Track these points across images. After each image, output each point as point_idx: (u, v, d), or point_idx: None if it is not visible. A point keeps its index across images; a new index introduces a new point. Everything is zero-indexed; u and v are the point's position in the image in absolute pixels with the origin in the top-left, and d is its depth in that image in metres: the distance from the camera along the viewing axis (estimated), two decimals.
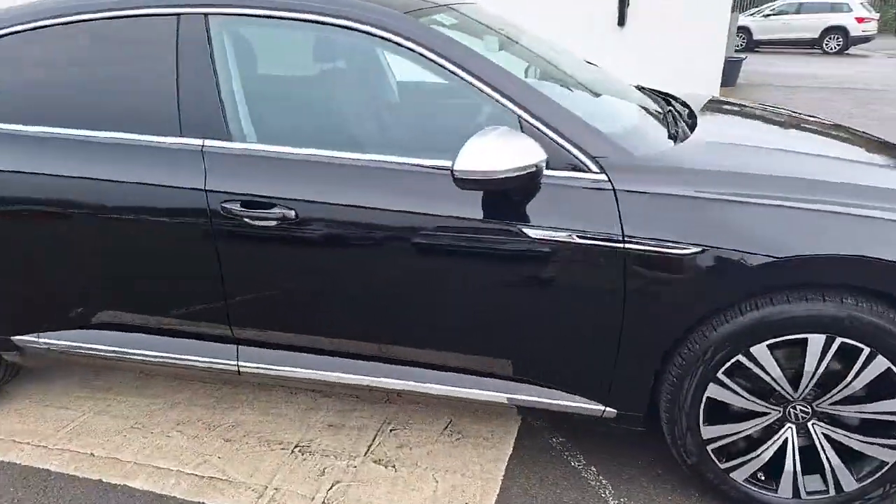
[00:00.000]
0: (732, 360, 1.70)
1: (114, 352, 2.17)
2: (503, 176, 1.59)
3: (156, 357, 2.14)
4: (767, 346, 1.67)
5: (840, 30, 17.71)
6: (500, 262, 1.76)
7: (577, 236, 1.69)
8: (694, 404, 1.78)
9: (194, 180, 1.90)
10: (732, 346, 1.69)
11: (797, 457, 1.79)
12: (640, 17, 6.43)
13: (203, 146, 1.92)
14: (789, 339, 1.65)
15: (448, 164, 1.75)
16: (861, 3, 17.97)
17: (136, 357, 2.16)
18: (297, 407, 2.43)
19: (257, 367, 2.09)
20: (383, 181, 1.81)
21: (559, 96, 1.84)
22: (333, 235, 1.85)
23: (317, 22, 1.87)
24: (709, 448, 1.83)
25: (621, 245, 1.66)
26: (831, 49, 17.97)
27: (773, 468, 1.82)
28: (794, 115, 2.64)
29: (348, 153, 1.85)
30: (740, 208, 1.62)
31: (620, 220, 1.67)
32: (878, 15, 19.06)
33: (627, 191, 1.68)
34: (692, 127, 2.10)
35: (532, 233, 1.71)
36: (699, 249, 1.62)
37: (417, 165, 1.80)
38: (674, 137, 1.97)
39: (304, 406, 2.43)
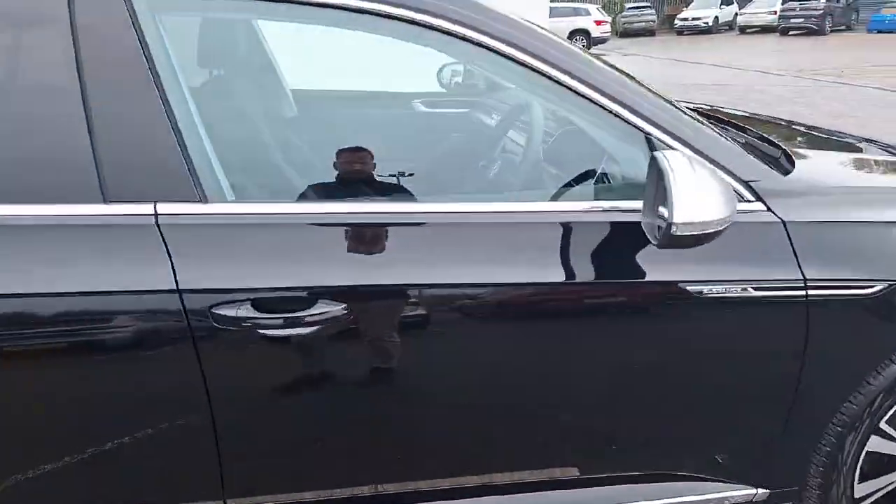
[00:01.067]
0: None
1: None
2: (715, 229, 1.12)
3: None
4: None
5: (584, 32, 19.89)
6: (650, 331, 1.30)
7: (753, 288, 1.28)
8: (853, 462, 1.50)
9: (149, 276, 1.10)
10: None
11: None
12: None
13: (157, 216, 1.13)
14: None
15: (616, 205, 1.25)
16: (597, 9, 20.39)
17: None
18: None
19: None
20: (488, 241, 1.23)
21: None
22: (417, 329, 1.21)
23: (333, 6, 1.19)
24: None
25: (803, 292, 1.30)
26: None
27: None
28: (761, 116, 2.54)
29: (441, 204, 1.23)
30: None
31: (797, 260, 1.30)
32: (611, 18, 21.82)
33: (798, 222, 1.31)
34: (761, 138, 1.80)
35: (694, 289, 1.27)
36: (888, 285, 1.32)
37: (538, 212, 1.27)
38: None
39: None
